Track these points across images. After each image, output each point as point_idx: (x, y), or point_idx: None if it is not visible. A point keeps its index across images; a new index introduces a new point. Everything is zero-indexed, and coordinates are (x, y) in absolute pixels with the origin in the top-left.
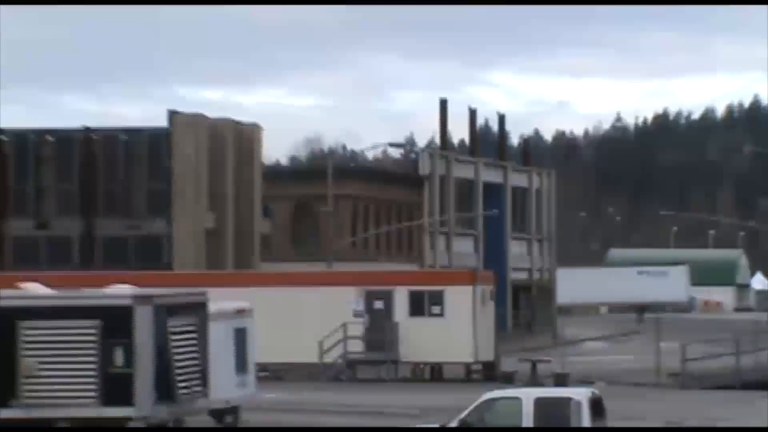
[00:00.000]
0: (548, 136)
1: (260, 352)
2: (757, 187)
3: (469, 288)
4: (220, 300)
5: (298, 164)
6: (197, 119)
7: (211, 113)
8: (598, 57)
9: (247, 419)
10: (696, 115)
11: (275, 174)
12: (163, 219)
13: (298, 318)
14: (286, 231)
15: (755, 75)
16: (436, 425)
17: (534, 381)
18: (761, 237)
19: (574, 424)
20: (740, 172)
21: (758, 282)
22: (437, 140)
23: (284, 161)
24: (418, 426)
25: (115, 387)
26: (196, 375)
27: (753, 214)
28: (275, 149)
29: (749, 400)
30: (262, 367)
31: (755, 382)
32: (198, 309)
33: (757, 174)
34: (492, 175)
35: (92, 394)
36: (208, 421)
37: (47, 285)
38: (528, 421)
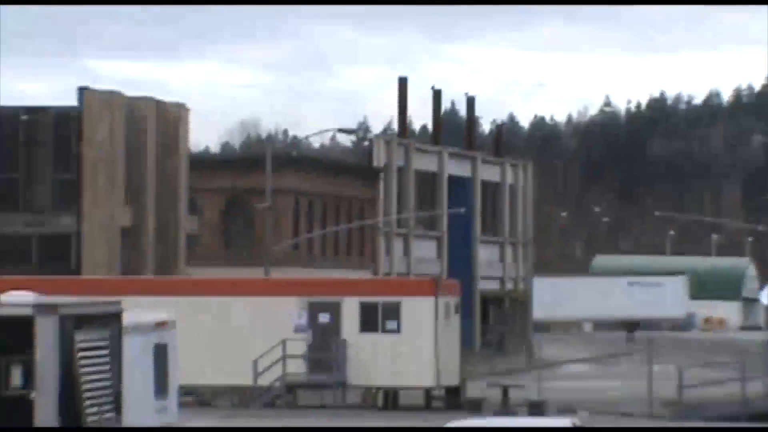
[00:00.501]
0: (525, 122)
1: (184, 372)
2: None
3: (431, 300)
4: (137, 310)
5: (231, 152)
6: (112, 97)
7: (129, 91)
8: (584, 30)
9: None
10: (698, 100)
11: (204, 163)
12: (71, 214)
13: (229, 333)
14: (216, 230)
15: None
16: None
17: (505, 409)
18: None
19: None
20: (749, 166)
21: None
22: (395, 126)
23: (215, 148)
24: None
25: (12, 412)
26: (108, 398)
27: (763, 216)
28: (204, 134)
29: None
30: (186, 391)
31: (765, 412)
32: (111, 321)
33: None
34: (458, 168)
35: None
36: None
37: None
38: None
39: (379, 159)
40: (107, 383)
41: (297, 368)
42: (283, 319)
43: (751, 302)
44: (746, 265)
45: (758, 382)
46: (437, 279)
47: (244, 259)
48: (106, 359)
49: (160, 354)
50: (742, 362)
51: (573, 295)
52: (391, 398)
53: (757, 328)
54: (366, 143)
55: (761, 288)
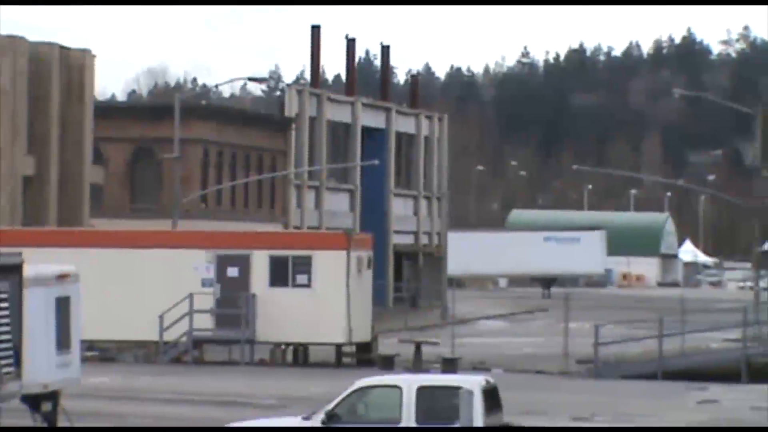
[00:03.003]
0: (441, 72)
1: (87, 326)
2: (688, 139)
3: (343, 253)
4: (39, 262)
5: (138, 100)
6: (14, 43)
7: (32, 36)
8: None
9: (69, 407)
10: (617, 52)
11: (110, 111)
12: None
13: (134, 287)
14: (122, 181)
15: (689, 3)
16: (296, 418)
17: (418, 366)
18: (691, 198)
19: (463, 417)
20: (668, 120)
21: (687, 252)
22: (307, 75)
23: (121, 96)
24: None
25: None
26: (7, 353)
27: (682, 171)
28: (110, 82)
29: (672, 391)
30: (89, 346)
31: (680, 370)
32: (10, 273)
33: (688, 123)
34: (373, 119)
35: None
36: (22, 409)
37: None
38: (409, 414)
39: (290, 109)
40: (7, 336)
41: (204, 323)
42: (190, 272)
43: (670, 258)
44: (664, 221)
45: (675, 339)
46: (349, 232)
47: (151, 211)
48: (5, 312)
49: (63, 307)
50: (659, 319)
51: (488, 250)
52: (301, 354)
53: (674, 284)
54: (278, 93)
55: (680, 244)
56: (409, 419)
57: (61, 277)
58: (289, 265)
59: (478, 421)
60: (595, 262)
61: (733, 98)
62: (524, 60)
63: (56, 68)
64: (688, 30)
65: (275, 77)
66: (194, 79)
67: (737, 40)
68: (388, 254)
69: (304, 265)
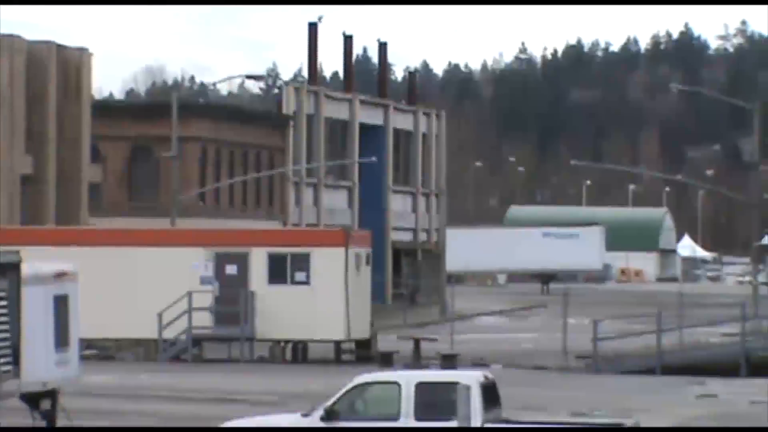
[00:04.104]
0: (439, 69)
1: (86, 325)
2: (686, 134)
3: (341, 251)
4: (38, 261)
5: (136, 99)
6: (12, 42)
7: (29, 35)
8: None
9: (68, 405)
10: (615, 47)
11: (108, 110)
12: None
13: (133, 285)
14: (121, 179)
15: None
16: (296, 415)
17: (417, 363)
18: (690, 193)
19: (461, 412)
20: (666, 115)
21: (685, 247)
22: (305, 72)
23: (119, 95)
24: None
25: None
26: (6, 351)
27: (680, 167)
28: (108, 81)
29: (671, 386)
30: (88, 344)
31: (679, 365)
32: (9, 271)
33: (686, 119)
34: (370, 116)
35: None
36: (20, 407)
37: None
38: (407, 410)
39: (288, 106)
40: (5, 335)
41: (203, 321)
42: (189, 270)
43: (668, 253)
44: (663, 216)
45: (674, 334)
46: (348, 229)
47: (150, 209)
48: (4, 310)
49: (61, 306)
50: (658, 314)
51: (487, 246)
52: (300, 351)
53: (673, 279)
54: (275, 90)
55: (678, 239)
56: (407, 415)
57: (60, 276)
58: (288, 263)
59: (477, 417)
60: (594, 257)
61: (730, 93)
62: (522, 56)
63: (53, 67)
64: (686, 25)
65: (273, 75)
66: (192, 78)
67: (735, 36)
68: (387, 251)
69: (303, 263)
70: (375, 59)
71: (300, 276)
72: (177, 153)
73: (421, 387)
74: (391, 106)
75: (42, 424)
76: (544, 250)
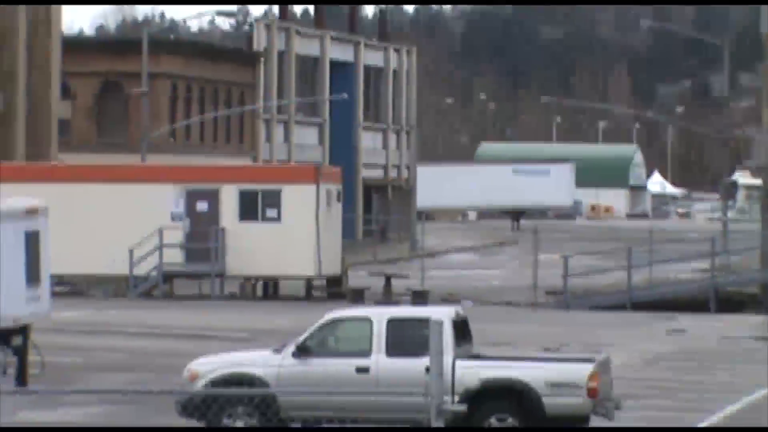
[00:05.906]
0: (409, 6)
1: (56, 261)
2: (656, 71)
3: (312, 187)
4: (7, 197)
5: (106, 35)
6: None
7: None
8: None
9: (39, 341)
10: None
11: (77, 46)
12: None
13: (103, 221)
14: (90, 115)
15: None
16: (267, 351)
17: (388, 299)
18: (660, 130)
19: (433, 348)
20: (636, 52)
21: (655, 183)
22: (275, 9)
23: (89, 31)
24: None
25: None
26: None
27: (650, 103)
28: (78, 16)
29: (641, 321)
30: (59, 280)
31: (649, 301)
32: None
33: (657, 55)
34: (341, 52)
35: None
36: None
37: None
38: (379, 345)
39: (259, 43)
40: None
41: (174, 257)
42: (159, 206)
43: (638, 190)
44: (633, 152)
45: (644, 270)
46: (319, 166)
47: (120, 145)
48: None
49: (32, 242)
50: (628, 251)
51: (457, 183)
52: (271, 288)
53: (643, 215)
54: (246, 27)
55: (648, 175)
56: (379, 351)
57: (30, 212)
58: (259, 199)
59: (448, 352)
60: (564, 194)
61: (700, 30)
62: None
63: (23, 3)
64: None
65: (243, 12)
66: (162, 14)
67: None
68: (358, 188)
69: (274, 199)
70: None
71: (271, 212)
72: (147, 89)
73: (393, 323)
74: (362, 43)
75: (14, 360)
76: (514, 186)
